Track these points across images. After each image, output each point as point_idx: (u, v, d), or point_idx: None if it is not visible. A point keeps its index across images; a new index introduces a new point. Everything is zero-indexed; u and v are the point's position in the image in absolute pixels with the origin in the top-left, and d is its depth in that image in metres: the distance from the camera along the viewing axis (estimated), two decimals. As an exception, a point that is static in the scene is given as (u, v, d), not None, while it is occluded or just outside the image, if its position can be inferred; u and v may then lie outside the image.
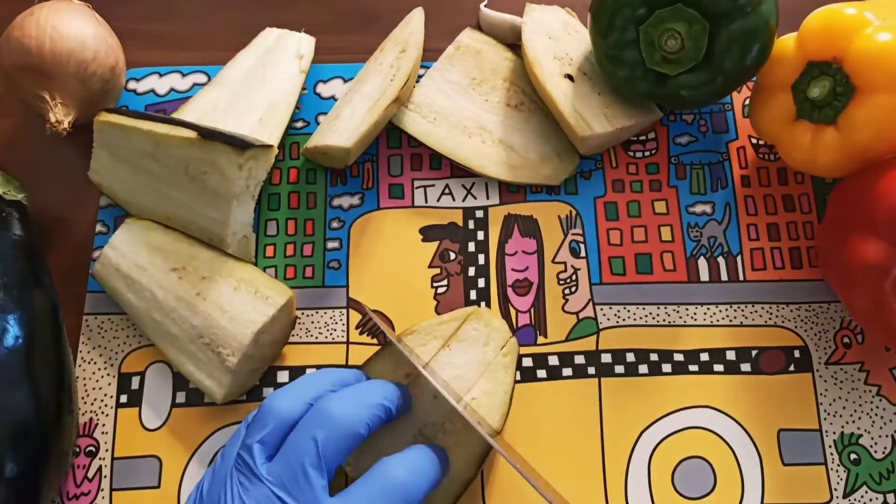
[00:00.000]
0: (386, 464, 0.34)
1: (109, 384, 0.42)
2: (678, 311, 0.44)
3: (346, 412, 0.34)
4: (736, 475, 0.40)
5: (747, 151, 0.48)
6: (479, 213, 0.46)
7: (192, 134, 0.40)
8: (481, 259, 0.45)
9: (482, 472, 0.40)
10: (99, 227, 0.46)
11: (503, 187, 0.47)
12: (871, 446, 0.41)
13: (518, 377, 0.42)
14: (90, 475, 0.41)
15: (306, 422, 0.34)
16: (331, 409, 0.34)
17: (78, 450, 0.41)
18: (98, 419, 0.42)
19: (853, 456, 0.41)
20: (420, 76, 0.49)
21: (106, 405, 0.42)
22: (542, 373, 0.42)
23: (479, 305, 0.44)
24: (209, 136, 0.40)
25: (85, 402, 0.42)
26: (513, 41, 0.50)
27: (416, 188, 0.47)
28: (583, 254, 0.45)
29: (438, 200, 0.46)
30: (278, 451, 0.33)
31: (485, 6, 0.52)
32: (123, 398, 0.42)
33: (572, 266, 0.45)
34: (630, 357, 0.43)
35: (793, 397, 0.42)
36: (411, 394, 0.39)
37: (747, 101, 0.48)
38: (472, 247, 0.45)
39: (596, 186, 0.47)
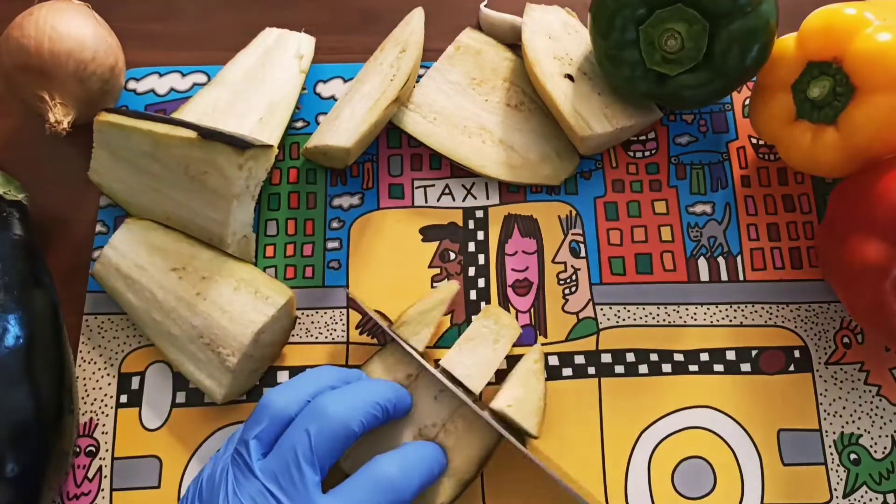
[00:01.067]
0: (378, 461, 0.34)
1: (109, 384, 0.42)
2: (678, 311, 0.44)
3: (341, 409, 0.34)
4: (736, 475, 0.40)
5: (747, 151, 0.48)
6: (479, 213, 0.46)
7: (192, 134, 0.40)
8: (481, 259, 0.45)
9: (482, 472, 0.40)
10: (99, 227, 0.46)
11: (503, 187, 0.47)
12: (871, 446, 0.41)
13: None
14: (90, 475, 0.41)
15: (301, 417, 0.34)
16: (326, 405, 0.34)
17: (78, 450, 0.41)
18: (98, 419, 0.42)
19: (853, 456, 0.41)
20: (420, 76, 0.49)
21: (106, 405, 0.42)
22: (542, 373, 0.42)
23: (480, 305, 0.44)
24: (209, 136, 0.40)
25: (85, 402, 0.42)
26: (513, 41, 0.50)
27: (416, 188, 0.47)
28: (583, 254, 0.45)
29: (438, 200, 0.46)
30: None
31: (485, 6, 0.51)
32: (123, 398, 0.42)
33: (572, 266, 0.45)
34: (630, 357, 0.43)
35: (793, 397, 0.42)
36: (412, 394, 0.39)
37: (747, 101, 0.48)
38: (472, 247, 0.45)
39: (596, 186, 0.47)
